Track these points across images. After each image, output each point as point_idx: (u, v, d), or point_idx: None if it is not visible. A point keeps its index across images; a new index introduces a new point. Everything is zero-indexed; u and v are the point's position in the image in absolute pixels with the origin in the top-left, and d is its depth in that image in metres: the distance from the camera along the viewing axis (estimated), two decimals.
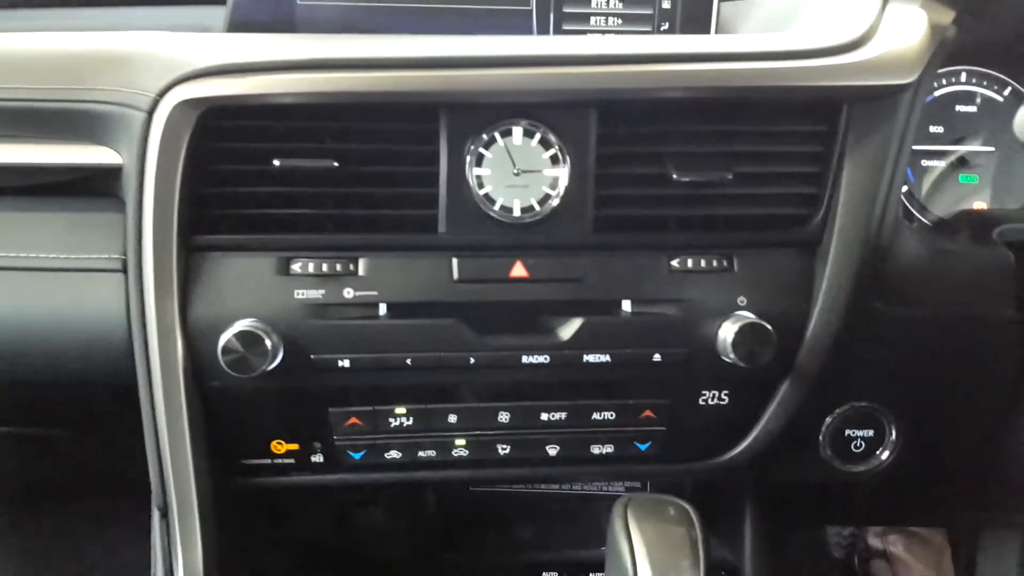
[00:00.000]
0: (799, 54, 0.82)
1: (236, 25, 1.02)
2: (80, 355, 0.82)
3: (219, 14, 1.07)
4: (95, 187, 0.84)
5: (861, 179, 0.85)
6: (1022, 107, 0.69)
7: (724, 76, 0.81)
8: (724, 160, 0.84)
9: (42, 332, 0.82)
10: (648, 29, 1.10)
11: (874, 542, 1.53)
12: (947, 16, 0.87)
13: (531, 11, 1.08)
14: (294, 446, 0.87)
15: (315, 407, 0.86)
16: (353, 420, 0.86)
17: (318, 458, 0.88)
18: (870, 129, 0.84)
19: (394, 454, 0.88)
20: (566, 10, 1.08)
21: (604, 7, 1.09)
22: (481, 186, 0.83)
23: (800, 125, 0.85)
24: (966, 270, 0.88)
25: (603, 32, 1.10)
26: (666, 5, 1.10)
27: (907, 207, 1.01)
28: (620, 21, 1.10)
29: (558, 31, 1.08)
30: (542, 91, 0.81)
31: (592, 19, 1.10)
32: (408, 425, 0.87)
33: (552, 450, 0.89)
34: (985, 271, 0.88)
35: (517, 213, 0.83)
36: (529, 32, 1.08)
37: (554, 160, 0.83)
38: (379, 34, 1.05)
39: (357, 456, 0.88)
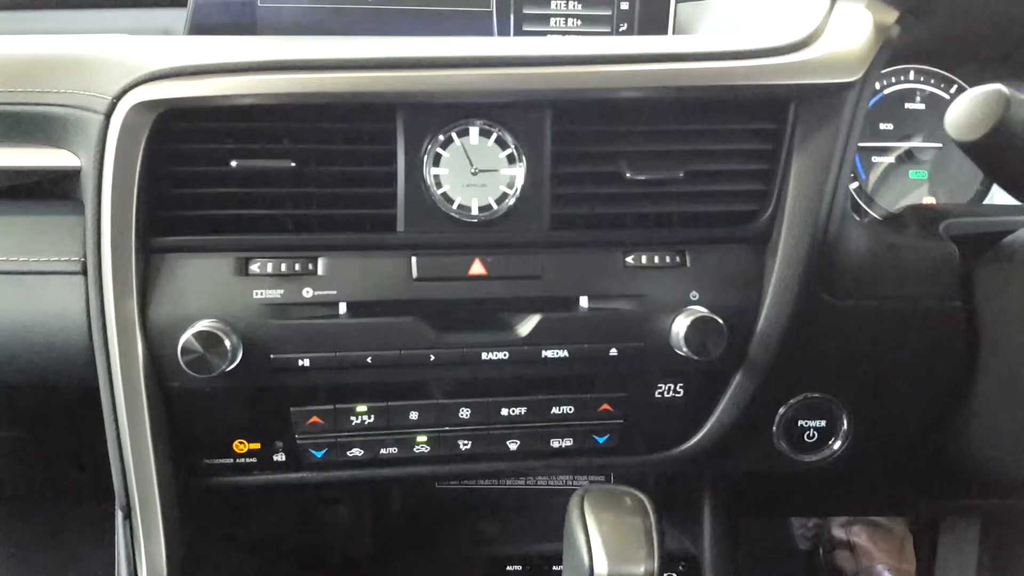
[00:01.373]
0: (747, 54, 0.84)
1: (197, 27, 1.03)
2: (41, 357, 0.82)
3: (180, 16, 1.08)
4: (53, 190, 0.84)
5: (808, 175, 0.87)
6: (950, 107, 0.71)
7: (674, 76, 0.83)
8: (676, 159, 0.86)
9: (2, 335, 0.82)
10: (607, 30, 1.12)
11: (838, 533, 1.56)
12: (891, 16, 0.89)
13: (491, 12, 1.10)
14: (256, 445, 0.88)
15: (276, 406, 0.86)
16: (314, 419, 0.87)
17: (280, 457, 0.89)
18: (817, 127, 0.86)
19: (356, 452, 0.89)
20: (526, 11, 1.10)
21: (563, 8, 1.11)
22: (439, 185, 0.84)
23: (749, 123, 0.87)
24: (912, 263, 0.91)
25: (563, 33, 1.11)
26: (624, 6, 1.12)
27: (857, 201, 1.04)
28: (579, 22, 1.12)
29: (518, 32, 1.10)
30: (497, 91, 0.82)
31: (552, 20, 1.12)
32: (369, 423, 0.87)
33: (513, 444, 0.91)
34: (931, 264, 0.91)
35: (475, 212, 0.85)
36: (489, 33, 1.09)
37: (510, 159, 0.84)
38: (340, 35, 1.06)
39: (319, 454, 0.88)
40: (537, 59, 0.82)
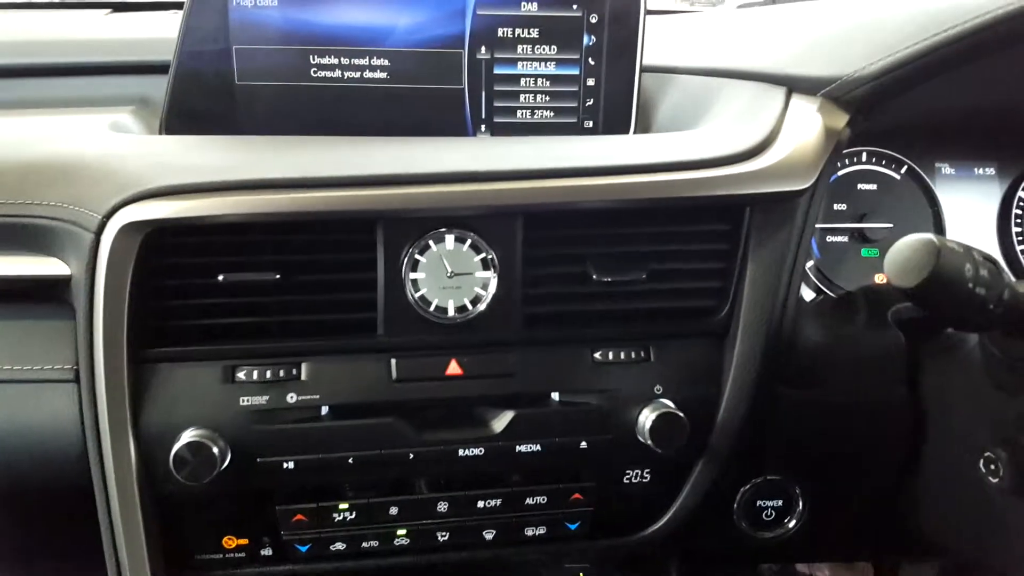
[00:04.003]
0: (705, 163, 0.89)
1: (176, 108, 1.06)
2: (34, 462, 0.85)
3: (157, 84, 1.10)
4: (43, 294, 0.87)
5: (763, 274, 0.92)
6: (888, 254, 0.76)
7: (637, 188, 0.87)
8: (638, 260, 0.91)
9: None
10: (574, 105, 1.17)
11: (801, 568, 1.62)
12: (841, 120, 0.94)
13: (463, 89, 1.14)
14: (244, 541, 0.92)
15: (262, 505, 0.91)
16: (299, 517, 0.91)
17: (267, 552, 0.93)
18: (771, 228, 0.92)
19: (339, 546, 0.93)
20: (497, 88, 1.14)
21: (533, 86, 1.16)
22: (417, 289, 0.88)
23: (707, 225, 0.93)
24: (863, 355, 0.96)
25: (533, 109, 1.16)
26: (591, 83, 1.17)
27: (814, 280, 1.09)
28: (548, 98, 1.17)
29: (490, 108, 1.14)
30: (472, 206, 0.87)
31: (522, 96, 1.16)
32: (351, 519, 0.92)
33: (489, 534, 0.95)
34: (880, 355, 0.96)
35: (451, 313, 0.89)
36: (461, 110, 1.13)
37: (484, 264, 0.89)
38: (317, 116, 1.09)
39: (304, 549, 0.92)
40: (508, 174, 0.87)
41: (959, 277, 0.72)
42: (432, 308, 0.88)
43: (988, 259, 0.75)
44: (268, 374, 0.86)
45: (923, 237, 0.74)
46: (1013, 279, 0.76)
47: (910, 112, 1.04)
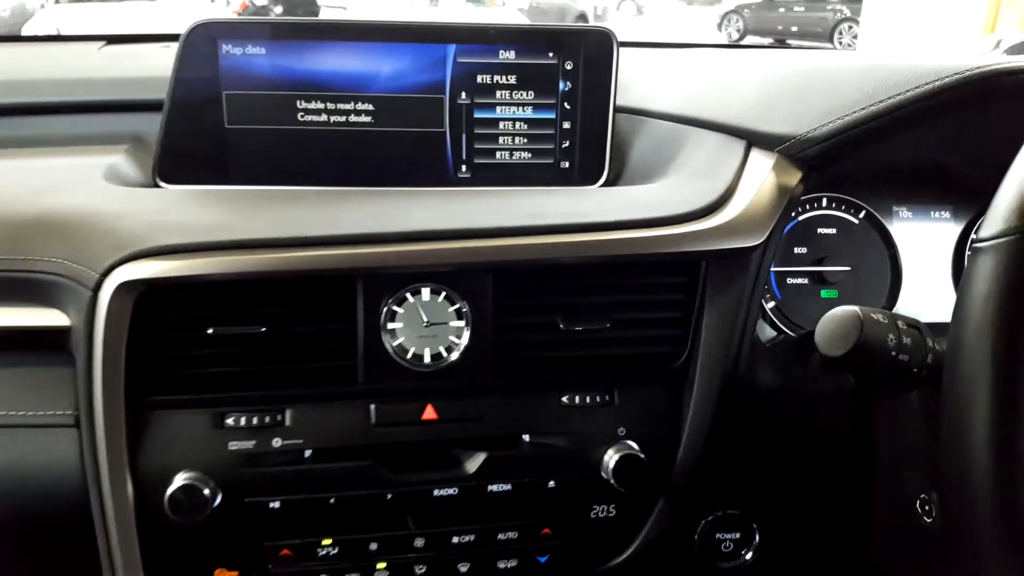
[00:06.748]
0: (666, 221, 0.95)
1: (168, 153, 1.12)
2: (37, 503, 0.91)
3: (153, 121, 1.16)
4: (44, 343, 0.93)
5: (718, 324, 0.98)
6: (818, 326, 0.82)
7: (602, 246, 0.94)
8: (603, 310, 0.98)
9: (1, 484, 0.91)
10: (551, 147, 1.23)
11: None
12: (795, 177, 1.00)
13: (444, 132, 1.20)
14: (235, 574, 0.98)
15: (251, 541, 0.97)
16: (285, 551, 0.97)
17: None
18: (726, 279, 0.98)
19: None
20: (477, 131, 1.20)
21: (511, 128, 1.22)
22: (395, 338, 0.94)
23: (666, 278, 0.99)
24: (815, 399, 1.02)
25: (511, 151, 1.22)
26: (566, 125, 1.22)
27: (774, 320, 1.16)
28: (526, 140, 1.23)
29: (470, 150, 1.20)
30: (446, 263, 0.93)
31: (501, 139, 1.22)
32: (334, 554, 0.98)
33: (463, 567, 1.02)
34: (831, 399, 1.02)
35: (428, 360, 0.95)
36: (444, 153, 1.19)
37: (458, 314, 0.95)
38: (305, 160, 1.15)
39: None
40: (478, 232, 0.93)
41: (882, 346, 0.78)
42: (409, 356, 0.94)
43: (913, 325, 0.82)
44: (255, 420, 0.92)
45: (849, 310, 0.80)
46: (935, 344, 0.83)
47: (868, 161, 1.09)
